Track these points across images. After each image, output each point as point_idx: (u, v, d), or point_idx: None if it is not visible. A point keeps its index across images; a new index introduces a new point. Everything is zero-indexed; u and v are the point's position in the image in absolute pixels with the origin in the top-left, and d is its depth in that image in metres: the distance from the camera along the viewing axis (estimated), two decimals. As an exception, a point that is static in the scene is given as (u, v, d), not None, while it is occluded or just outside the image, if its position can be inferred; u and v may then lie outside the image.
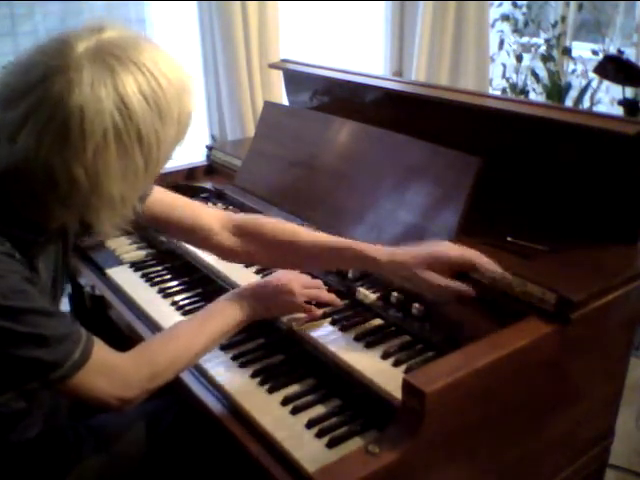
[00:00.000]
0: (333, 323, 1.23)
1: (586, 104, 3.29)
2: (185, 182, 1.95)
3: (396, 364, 1.10)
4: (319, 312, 1.24)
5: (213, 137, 2.43)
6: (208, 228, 1.24)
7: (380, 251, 1.15)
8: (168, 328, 1.15)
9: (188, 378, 1.18)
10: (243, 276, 1.41)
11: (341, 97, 1.90)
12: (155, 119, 0.90)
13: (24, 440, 1.09)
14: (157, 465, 1.19)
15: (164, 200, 1.25)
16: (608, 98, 3.26)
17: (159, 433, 1.20)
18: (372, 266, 1.18)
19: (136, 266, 1.59)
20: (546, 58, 3.31)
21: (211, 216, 1.26)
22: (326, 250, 1.20)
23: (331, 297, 1.28)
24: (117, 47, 0.88)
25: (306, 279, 1.29)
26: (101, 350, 0.98)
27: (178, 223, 1.24)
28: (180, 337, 1.10)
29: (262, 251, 1.24)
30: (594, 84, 3.26)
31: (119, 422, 1.20)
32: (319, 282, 1.31)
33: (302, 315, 1.24)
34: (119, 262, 1.63)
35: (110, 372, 0.97)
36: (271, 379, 1.15)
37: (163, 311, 1.39)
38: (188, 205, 1.28)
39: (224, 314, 1.16)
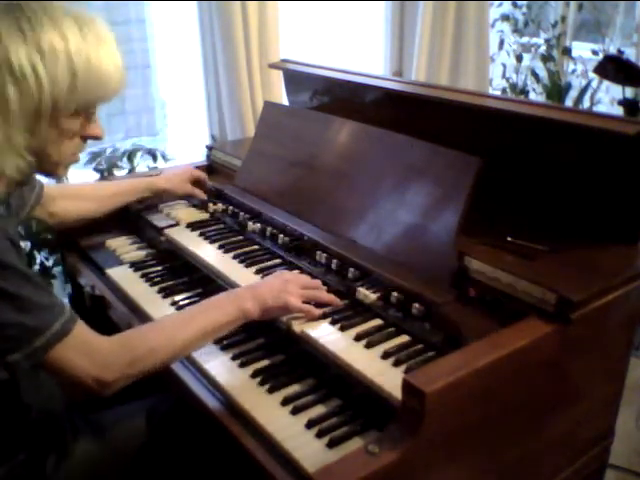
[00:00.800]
0: (333, 323, 1.23)
1: (586, 104, 3.29)
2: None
3: (396, 364, 1.10)
4: (318, 312, 1.24)
5: (213, 137, 2.43)
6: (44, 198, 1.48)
7: (156, 180, 1.76)
8: (158, 319, 1.18)
9: (187, 377, 1.18)
10: (243, 276, 1.41)
11: (341, 97, 1.90)
12: (31, 51, 0.95)
13: (18, 433, 1.09)
14: (154, 462, 1.20)
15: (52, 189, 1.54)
16: (608, 98, 3.26)
17: (156, 429, 1.21)
18: (157, 190, 1.74)
19: (136, 266, 1.59)
20: (546, 58, 3.31)
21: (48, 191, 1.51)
22: (122, 194, 1.69)
23: (330, 297, 1.28)
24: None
25: (305, 279, 1.29)
26: (83, 329, 1.01)
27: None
28: (165, 326, 1.12)
29: (74, 206, 1.59)
30: (594, 84, 3.26)
31: (116, 416, 1.21)
32: (318, 282, 1.31)
33: (301, 315, 1.24)
34: (119, 262, 1.63)
35: (89, 351, 1.00)
36: (271, 379, 1.15)
37: (163, 311, 1.39)
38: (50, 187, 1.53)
39: (218, 310, 1.16)
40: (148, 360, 1.05)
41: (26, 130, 0.98)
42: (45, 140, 1.02)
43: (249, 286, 1.24)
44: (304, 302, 1.24)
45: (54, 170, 1.11)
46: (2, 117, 0.95)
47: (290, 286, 1.23)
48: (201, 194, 1.78)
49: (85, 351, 0.99)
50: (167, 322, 1.15)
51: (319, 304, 1.26)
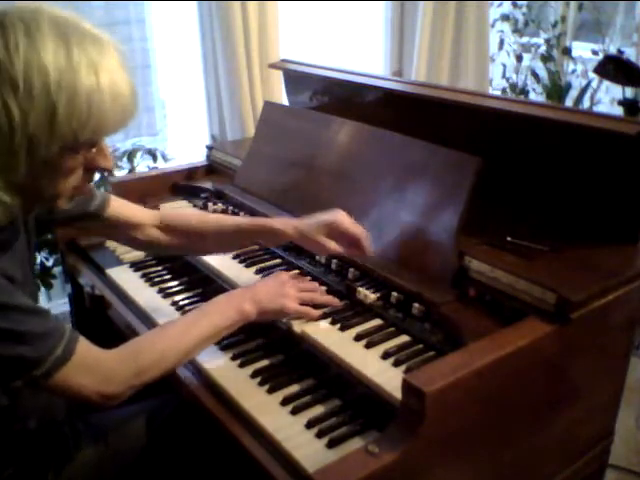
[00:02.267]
0: (333, 323, 1.23)
1: (586, 104, 3.29)
2: (185, 182, 1.95)
3: (396, 364, 1.10)
4: (316, 314, 1.23)
5: (213, 137, 2.44)
6: (140, 222, 1.38)
7: (287, 225, 1.33)
8: (159, 326, 1.15)
9: (187, 377, 1.18)
10: (243, 276, 1.41)
11: (341, 97, 1.90)
12: (2, 83, 0.83)
13: (19, 437, 1.09)
14: (155, 462, 1.20)
15: (117, 205, 1.35)
16: (608, 98, 3.26)
17: (157, 430, 1.21)
18: (283, 239, 1.36)
19: (136, 266, 1.59)
20: (546, 58, 3.31)
21: (141, 211, 1.40)
22: (241, 231, 1.37)
23: (327, 299, 1.28)
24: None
25: (302, 282, 1.28)
26: (85, 346, 0.98)
27: (121, 223, 1.36)
28: (169, 335, 1.10)
29: (185, 241, 1.40)
30: (594, 84, 3.26)
31: (118, 418, 1.20)
32: (315, 284, 1.31)
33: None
34: (119, 262, 1.63)
35: (94, 368, 0.98)
36: (271, 379, 1.14)
37: (163, 311, 1.39)
38: (124, 204, 1.38)
39: (217, 314, 1.15)
40: (153, 370, 1.04)
41: (1, 169, 0.87)
42: (31, 177, 0.89)
43: (247, 288, 1.23)
44: (302, 304, 1.23)
45: (52, 204, 1.00)
46: None
47: (287, 288, 1.22)
48: (337, 249, 1.31)
49: (89, 369, 0.97)
50: (170, 330, 1.12)
51: (317, 306, 1.26)
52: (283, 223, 1.34)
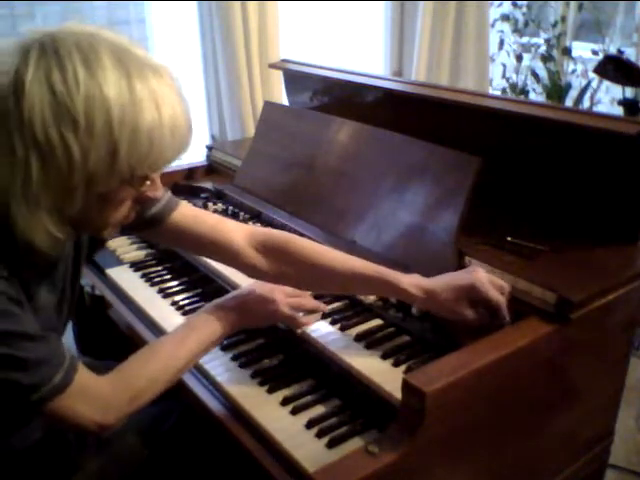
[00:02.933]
0: (333, 323, 1.23)
1: (586, 104, 3.29)
2: (185, 182, 1.95)
3: (396, 364, 1.10)
4: (306, 320, 1.22)
5: (213, 137, 2.43)
6: (232, 245, 1.19)
7: (415, 285, 1.13)
8: (148, 346, 1.10)
9: (189, 379, 1.18)
10: (243, 276, 1.41)
11: (341, 97, 1.90)
12: (61, 118, 0.78)
13: (26, 444, 1.09)
14: (159, 466, 1.19)
15: (188, 215, 1.19)
16: (608, 98, 3.26)
17: (161, 435, 1.20)
18: (407, 299, 1.15)
19: (136, 266, 1.59)
20: (546, 58, 3.31)
21: (236, 232, 1.20)
22: (361, 278, 1.16)
23: (315, 304, 1.25)
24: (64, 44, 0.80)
25: (290, 288, 1.24)
26: (83, 375, 0.95)
27: (201, 239, 1.19)
28: (159, 357, 1.06)
29: (292, 272, 1.18)
30: (594, 84, 3.26)
31: (122, 426, 1.20)
32: (304, 292, 1.27)
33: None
34: (119, 262, 1.63)
35: (90, 398, 0.95)
36: (271, 379, 1.14)
37: (163, 311, 1.39)
38: (212, 220, 1.22)
39: (205, 329, 1.12)
40: (146, 394, 1.02)
41: (54, 207, 0.83)
42: (83, 210, 0.86)
43: (234, 298, 1.19)
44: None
45: (98, 234, 0.96)
46: (23, 193, 0.81)
47: (276, 294, 1.19)
48: (475, 319, 1.12)
49: (86, 398, 0.95)
50: (159, 351, 1.08)
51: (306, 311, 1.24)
52: (410, 281, 1.13)
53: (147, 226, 1.15)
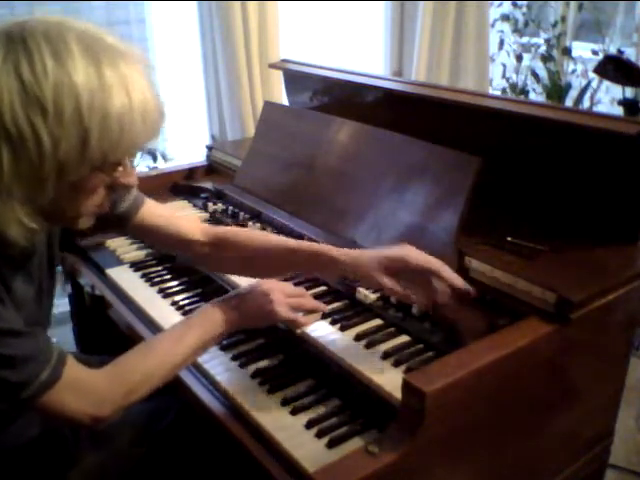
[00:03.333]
0: (333, 323, 1.23)
1: (586, 104, 3.29)
2: (185, 182, 1.95)
3: (396, 364, 1.10)
4: (305, 320, 1.20)
5: (213, 137, 2.44)
6: (186, 236, 1.29)
7: (344, 253, 1.17)
8: (145, 342, 1.11)
9: (188, 378, 1.18)
10: (246, 286, 1.41)
11: (341, 97, 1.90)
12: (30, 107, 0.78)
13: (22, 441, 1.09)
14: (156, 464, 1.20)
15: (154, 212, 1.28)
16: (608, 98, 3.26)
17: (159, 432, 1.20)
18: (338, 269, 1.19)
19: (136, 266, 1.59)
20: (546, 58, 3.31)
21: (188, 225, 1.31)
22: (295, 254, 1.22)
23: (315, 304, 1.23)
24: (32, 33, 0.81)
25: (289, 287, 1.23)
26: (73, 369, 0.95)
27: (163, 234, 1.29)
28: (156, 352, 1.06)
29: (236, 259, 1.28)
30: (594, 84, 3.26)
31: (119, 421, 1.20)
32: (302, 290, 1.27)
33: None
34: (119, 262, 1.63)
35: (82, 391, 0.95)
36: (271, 379, 1.14)
37: (163, 311, 1.39)
38: (172, 217, 1.31)
39: (203, 326, 1.11)
40: (142, 389, 1.02)
41: (27, 198, 0.83)
42: (55, 200, 0.85)
43: (233, 297, 1.19)
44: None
45: (72, 224, 0.95)
46: (22, 182, 0.81)
47: (275, 294, 1.17)
48: (395, 287, 1.13)
49: (77, 392, 0.95)
50: (156, 347, 1.08)
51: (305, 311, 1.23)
52: (340, 251, 1.17)
53: (116, 224, 1.21)
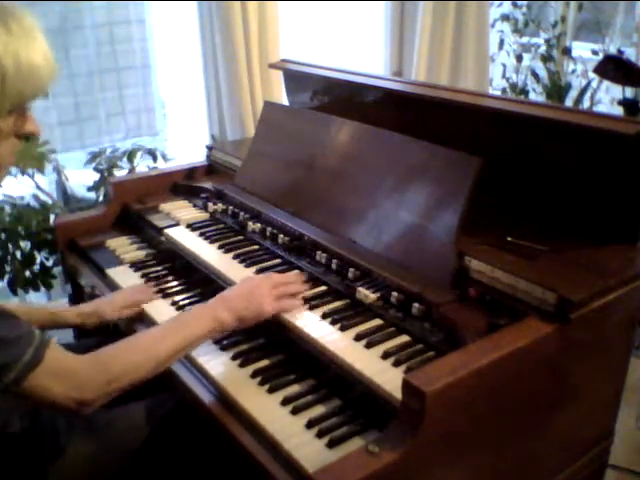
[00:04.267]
0: (333, 323, 1.23)
1: (586, 104, 3.29)
2: (185, 182, 1.95)
3: (396, 364, 1.10)
4: (296, 304, 1.26)
5: (213, 137, 2.43)
6: None
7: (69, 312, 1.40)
8: (133, 335, 1.15)
9: (186, 376, 1.18)
10: (243, 276, 1.41)
11: (341, 97, 1.90)
12: None
13: (13, 431, 1.10)
14: (153, 460, 1.20)
15: None
16: (608, 98, 3.26)
17: (155, 428, 1.21)
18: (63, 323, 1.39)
19: (136, 266, 1.59)
20: (546, 58, 3.31)
21: None
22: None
23: (298, 288, 1.30)
24: None
25: (273, 278, 1.29)
26: (56, 352, 0.98)
27: None
28: (141, 344, 1.10)
29: None
30: (594, 84, 3.27)
31: (115, 416, 1.21)
32: (285, 275, 1.33)
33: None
34: (119, 262, 1.63)
35: (65, 374, 0.98)
36: (271, 379, 1.15)
37: (163, 311, 1.39)
38: None
39: (192, 323, 1.15)
40: (125, 378, 1.04)
41: None
42: None
43: (221, 296, 1.23)
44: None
45: None
46: None
47: (262, 290, 1.23)
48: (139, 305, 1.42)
49: (60, 375, 0.98)
50: (143, 339, 1.13)
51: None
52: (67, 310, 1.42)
53: None
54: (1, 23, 0.93)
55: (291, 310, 1.25)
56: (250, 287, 1.24)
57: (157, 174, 2.02)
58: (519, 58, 3.37)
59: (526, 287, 1.15)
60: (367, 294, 1.28)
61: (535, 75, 3.37)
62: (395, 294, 1.25)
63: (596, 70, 2.55)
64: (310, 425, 1.03)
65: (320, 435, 1.01)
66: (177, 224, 1.70)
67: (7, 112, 0.95)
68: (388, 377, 1.06)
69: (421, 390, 0.90)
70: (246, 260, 1.48)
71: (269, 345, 1.26)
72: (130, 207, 1.80)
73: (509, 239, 1.31)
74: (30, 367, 0.93)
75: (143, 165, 2.27)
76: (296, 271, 1.39)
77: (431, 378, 0.93)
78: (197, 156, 2.17)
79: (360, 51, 2.91)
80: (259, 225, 1.59)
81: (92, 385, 1.00)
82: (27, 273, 2.04)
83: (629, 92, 2.86)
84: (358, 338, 1.18)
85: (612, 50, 3.23)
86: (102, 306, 1.41)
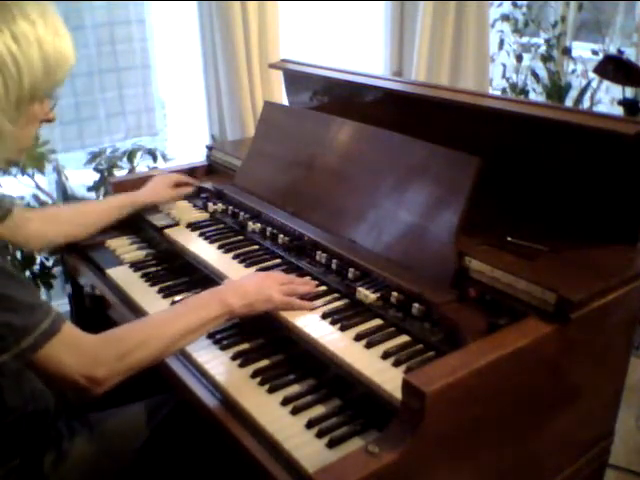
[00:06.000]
0: (333, 323, 1.23)
1: (586, 104, 3.29)
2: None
3: (396, 364, 1.10)
4: (304, 304, 1.26)
5: (213, 137, 2.43)
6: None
7: (140, 194, 1.72)
8: (143, 317, 1.20)
9: (187, 376, 1.18)
10: (243, 275, 1.41)
11: (341, 97, 1.90)
12: (7, 39, 0.95)
13: (7, 430, 1.10)
14: (153, 461, 1.20)
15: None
16: (608, 98, 3.26)
17: (156, 429, 1.21)
18: (140, 207, 1.71)
19: (136, 266, 1.59)
20: (546, 58, 3.32)
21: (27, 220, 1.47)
22: (104, 210, 1.66)
23: (305, 288, 1.31)
24: None
25: (281, 276, 1.32)
26: (71, 327, 1.01)
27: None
28: (153, 323, 1.14)
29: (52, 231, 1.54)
30: (594, 84, 3.27)
31: (116, 417, 1.21)
32: (292, 277, 1.34)
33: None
34: (119, 262, 1.63)
35: (78, 349, 1.00)
36: (271, 379, 1.14)
37: (163, 311, 1.39)
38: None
39: (203, 307, 1.17)
40: (136, 354, 1.06)
41: (10, 120, 0.98)
42: (19, 127, 1.02)
43: (231, 282, 1.28)
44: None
45: (18, 156, 1.14)
46: None
47: (271, 281, 1.26)
48: (187, 189, 1.82)
49: (74, 349, 1.00)
50: (154, 318, 1.17)
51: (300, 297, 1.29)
52: (137, 194, 1.73)
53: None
54: (41, 17, 1.00)
55: (299, 309, 1.26)
56: (260, 277, 1.28)
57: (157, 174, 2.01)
58: (519, 58, 3.37)
59: (526, 287, 1.15)
60: (367, 294, 1.28)
61: (535, 75, 3.37)
62: (395, 294, 1.25)
63: (596, 70, 2.56)
64: (310, 425, 1.03)
65: (320, 435, 1.01)
66: (177, 224, 1.70)
67: (46, 96, 1.05)
68: (388, 377, 1.06)
69: (421, 390, 0.90)
70: (246, 260, 1.48)
71: (269, 345, 1.26)
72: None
73: (509, 239, 1.31)
74: (48, 335, 0.96)
75: (143, 165, 2.27)
76: (308, 277, 1.38)
77: (431, 378, 0.93)
78: (197, 156, 2.17)
79: (360, 51, 2.91)
80: (259, 225, 1.59)
81: (104, 361, 1.02)
82: (27, 273, 2.04)
83: (629, 92, 2.87)
84: (358, 338, 1.18)
85: (612, 50, 3.23)
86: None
